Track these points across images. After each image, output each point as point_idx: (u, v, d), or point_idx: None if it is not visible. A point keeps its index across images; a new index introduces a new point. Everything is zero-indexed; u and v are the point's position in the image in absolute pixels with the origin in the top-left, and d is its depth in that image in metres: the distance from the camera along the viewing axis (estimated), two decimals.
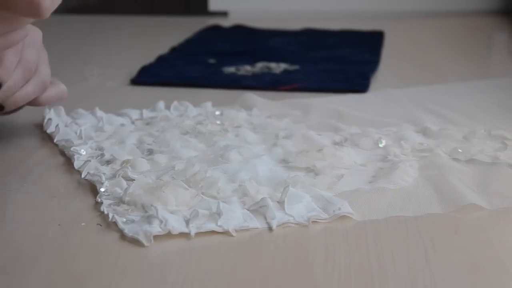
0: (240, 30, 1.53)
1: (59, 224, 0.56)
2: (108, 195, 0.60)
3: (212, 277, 0.49)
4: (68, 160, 0.69)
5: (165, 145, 0.71)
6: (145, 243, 0.53)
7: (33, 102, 0.72)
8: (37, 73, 0.70)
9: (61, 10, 1.88)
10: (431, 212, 0.59)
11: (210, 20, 1.68)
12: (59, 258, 0.51)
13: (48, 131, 0.77)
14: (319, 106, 0.87)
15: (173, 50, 1.25)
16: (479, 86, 1.00)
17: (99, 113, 0.81)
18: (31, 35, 0.69)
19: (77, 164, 0.67)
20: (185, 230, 0.54)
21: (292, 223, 0.56)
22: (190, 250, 0.53)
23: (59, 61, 1.09)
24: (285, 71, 1.09)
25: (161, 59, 1.17)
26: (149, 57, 1.15)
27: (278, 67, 1.10)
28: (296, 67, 1.11)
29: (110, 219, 0.56)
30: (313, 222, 0.57)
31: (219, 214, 0.56)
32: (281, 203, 0.59)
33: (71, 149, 0.70)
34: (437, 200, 0.60)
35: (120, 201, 0.59)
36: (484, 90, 0.98)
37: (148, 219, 0.55)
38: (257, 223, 0.56)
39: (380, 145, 0.72)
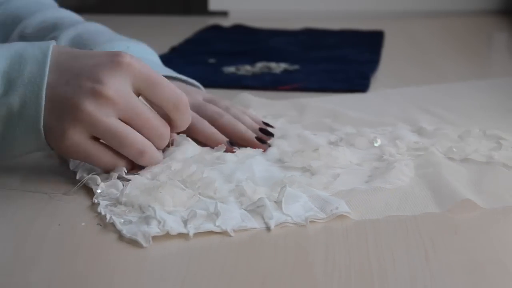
0: (240, 30, 1.53)
1: (59, 224, 0.56)
2: (105, 196, 0.60)
3: (212, 277, 0.49)
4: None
5: None
6: (144, 244, 0.52)
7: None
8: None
9: None
10: (428, 212, 0.59)
11: (210, 20, 1.68)
12: (59, 258, 0.51)
13: None
14: (314, 106, 0.87)
15: (173, 50, 1.25)
16: (475, 86, 1.00)
17: None
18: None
19: (72, 165, 0.66)
20: (184, 230, 0.54)
21: (290, 223, 0.56)
22: (190, 250, 0.53)
23: None
24: (285, 71, 1.09)
25: (161, 59, 1.17)
26: None
27: (278, 67, 1.10)
28: (296, 67, 1.11)
29: (107, 220, 0.56)
30: (313, 222, 0.57)
31: (216, 214, 0.56)
32: (278, 203, 0.59)
33: None
34: (433, 199, 0.61)
35: (117, 202, 0.59)
36: (481, 89, 0.98)
37: (146, 219, 0.55)
38: (255, 223, 0.56)
39: (376, 145, 0.72)
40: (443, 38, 1.48)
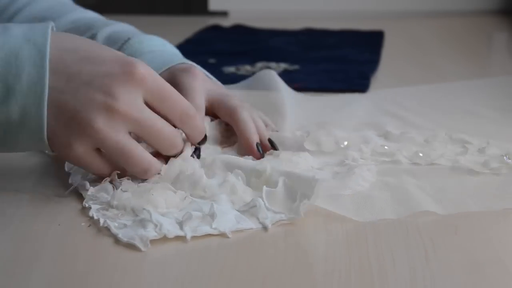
0: (240, 30, 1.53)
1: (59, 224, 0.56)
2: (95, 200, 0.59)
3: (213, 278, 0.49)
4: (49, 165, 0.68)
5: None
6: (142, 248, 0.52)
7: None
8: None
9: None
10: (385, 218, 0.58)
11: (210, 20, 1.68)
12: (59, 258, 0.51)
13: None
14: (282, 107, 0.85)
15: None
16: (439, 89, 0.99)
17: None
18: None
19: (67, 166, 0.66)
20: (181, 233, 0.54)
21: (284, 220, 0.56)
22: (190, 251, 0.53)
23: None
24: (285, 71, 1.09)
25: None
26: None
27: (278, 67, 1.10)
28: (296, 67, 1.11)
29: (101, 224, 0.55)
30: (312, 223, 0.57)
31: (212, 216, 0.56)
32: (268, 200, 0.58)
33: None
34: (391, 206, 0.60)
35: (108, 205, 0.58)
36: (446, 92, 0.97)
37: (142, 223, 0.55)
38: (250, 224, 0.56)
39: (342, 146, 0.71)
40: (443, 38, 1.48)
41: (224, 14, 1.81)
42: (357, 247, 0.53)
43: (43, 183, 0.64)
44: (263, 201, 0.58)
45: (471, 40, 1.46)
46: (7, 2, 0.87)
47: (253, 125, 0.70)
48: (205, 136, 0.64)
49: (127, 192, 0.58)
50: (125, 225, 0.55)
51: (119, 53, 0.60)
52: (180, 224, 0.55)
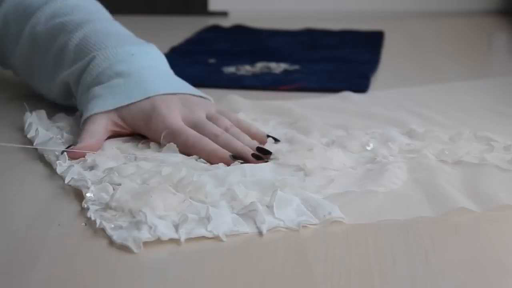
0: (240, 30, 1.53)
1: (59, 224, 0.56)
2: (94, 200, 0.59)
3: (213, 278, 0.49)
4: (48, 165, 0.68)
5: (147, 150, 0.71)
6: (135, 250, 0.52)
7: None
8: None
9: None
10: (422, 216, 0.58)
11: (210, 20, 1.68)
12: (59, 258, 0.51)
13: (28, 136, 0.75)
14: (303, 109, 0.86)
15: (173, 50, 1.25)
16: (461, 88, 0.99)
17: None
18: None
19: (60, 169, 0.65)
20: (175, 236, 0.54)
21: (282, 227, 0.56)
22: (190, 251, 0.53)
23: None
24: (285, 71, 1.09)
25: None
26: None
27: (278, 67, 1.10)
28: (296, 67, 1.11)
29: (97, 226, 0.55)
30: (316, 226, 0.57)
31: (208, 219, 0.56)
32: (270, 207, 0.58)
33: (50, 154, 0.69)
34: (427, 203, 0.60)
35: (107, 206, 0.58)
36: (467, 91, 0.97)
37: (137, 225, 0.54)
38: (246, 228, 0.56)
39: (368, 148, 0.71)
40: (443, 38, 1.48)
41: (224, 14, 1.81)
42: (357, 247, 0.53)
43: (43, 183, 0.64)
44: (273, 200, 0.58)
45: (471, 40, 1.46)
46: None
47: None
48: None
49: (126, 193, 0.58)
50: (121, 227, 0.55)
51: None
52: (176, 227, 0.55)
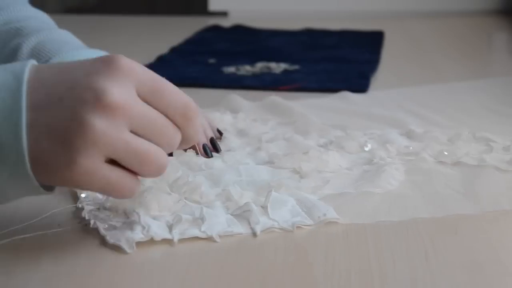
0: (240, 30, 1.53)
1: (58, 225, 0.56)
2: (89, 201, 0.59)
3: (213, 277, 0.49)
4: None
5: None
6: (128, 250, 0.52)
7: None
8: None
9: (61, 10, 1.89)
10: (418, 217, 0.58)
11: (210, 20, 1.68)
12: (59, 258, 0.51)
13: None
14: (302, 109, 0.86)
15: (173, 50, 1.25)
16: (461, 88, 0.99)
17: None
18: None
19: None
20: (168, 236, 0.53)
21: (276, 228, 0.56)
22: (190, 252, 0.53)
23: None
24: (285, 71, 1.09)
25: (161, 59, 1.17)
26: (149, 57, 1.15)
27: (278, 67, 1.10)
28: (296, 67, 1.11)
29: (91, 225, 0.55)
30: (311, 227, 0.57)
31: (202, 219, 0.55)
32: (265, 207, 0.58)
33: None
34: (423, 205, 0.60)
35: (101, 206, 0.58)
36: (467, 92, 0.97)
37: (130, 225, 0.54)
38: (240, 228, 0.55)
39: (366, 149, 0.71)
40: (443, 38, 1.48)
41: (224, 14, 1.81)
42: (357, 247, 0.53)
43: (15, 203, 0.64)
44: (268, 201, 0.58)
45: (471, 40, 1.46)
46: None
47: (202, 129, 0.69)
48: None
49: None
50: (114, 227, 0.55)
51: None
52: (170, 227, 0.54)
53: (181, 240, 0.54)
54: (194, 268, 0.50)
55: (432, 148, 0.71)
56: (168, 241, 0.53)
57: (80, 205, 0.58)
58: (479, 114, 0.86)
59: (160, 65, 1.12)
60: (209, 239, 0.54)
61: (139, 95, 0.50)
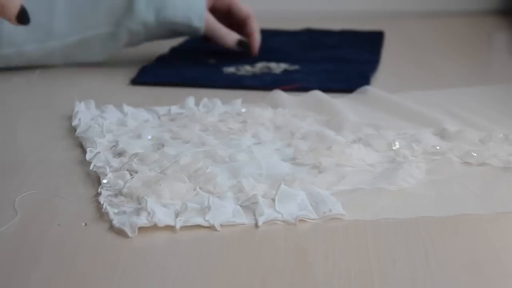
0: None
1: (59, 224, 0.56)
2: (110, 186, 0.61)
3: (212, 277, 0.49)
4: (85, 153, 0.71)
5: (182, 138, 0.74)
6: (130, 234, 0.53)
7: None
8: None
9: None
10: (425, 215, 0.58)
11: None
12: (59, 258, 0.51)
13: (73, 123, 0.79)
14: (344, 105, 0.86)
15: (173, 50, 1.25)
16: (502, 90, 0.98)
17: (126, 108, 0.83)
18: None
19: (88, 156, 0.68)
20: (171, 223, 0.55)
21: (279, 220, 0.56)
22: (190, 250, 0.53)
23: None
24: (285, 71, 1.09)
25: (161, 59, 1.17)
26: (149, 57, 1.15)
27: (278, 67, 1.10)
28: (296, 67, 1.11)
29: (103, 210, 0.57)
30: (311, 222, 0.57)
31: (208, 208, 0.57)
32: (274, 200, 0.59)
33: (87, 141, 0.72)
34: (433, 205, 0.60)
35: (119, 193, 0.60)
36: (508, 93, 0.96)
37: (138, 211, 0.56)
38: (244, 219, 0.56)
39: (394, 148, 0.72)
40: (443, 38, 1.48)
41: None
42: (357, 247, 0.53)
43: (43, 183, 0.64)
44: (277, 193, 0.59)
45: (471, 40, 1.46)
46: None
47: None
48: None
49: (139, 181, 0.60)
50: (124, 212, 0.56)
51: None
52: (177, 215, 0.56)
53: (185, 228, 0.55)
54: (190, 269, 0.50)
55: (461, 148, 0.71)
56: (172, 228, 0.55)
57: (100, 191, 0.60)
58: None
59: (160, 65, 1.12)
60: (212, 228, 0.55)
61: None
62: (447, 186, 0.64)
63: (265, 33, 1.48)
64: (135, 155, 0.67)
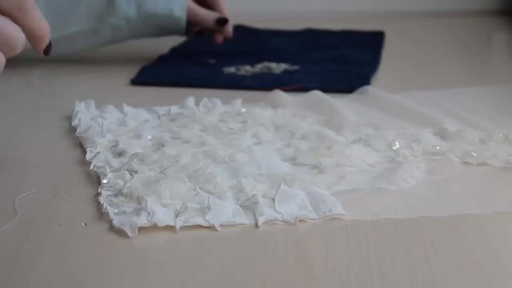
0: (240, 30, 1.52)
1: (59, 224, 0.56)
2: (110, 186, 0.61)
3: (212, 277, 0.49)
4: (85, 153, 0.71)
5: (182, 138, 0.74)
6: (130, 234, 0.53)
7: None
8: None
9: None
10: (425, 215, 0.58)
11: None
12: (59, 258, 0.51)
13: (73, 123, 0.79)
14: (343, 106, 0.86)
15: (173, 50, 1.25)
16: (502, 90, 0.98)
17: (126, 108, 0.83)
18: None
19: (88, 156, 0.68)
20: (171, 223, 0.55)
21: (279, 220, 0.57)
22: (190, 250, 0.53)
23: (58, 62, 1.10)
24: (285, 71, 1.09)
25: (161, 59, 1.17)
26: (149, 57, 1.15)
27: (278, 67, 1.10)
28: (296, 67, 1.11)
29: (103, 210, 0.57)
30: (311, 222, 0.57)
31: (208, 208, 0.57)
32: (274, 200, 0.59)
33: (87, 141, 0.72)
34: (433, 205, 0.60)
35: (119, 193, 0.60)
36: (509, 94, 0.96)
37: (138, 211, 0.56)
38: (244, 219, 0.57)
39: (394, 148, 0.72)
40: (443, 38, 1.48)
41: None
42: (357, 247, 0.53)
43: (43, 183, 0.64)
44: (276, 193, 0.59)
45: (471, 40, 1.46)
46: None
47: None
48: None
49: (139, 181, 0.60)
50: (124, 212, 0.56)
51: None
52: (177, 215, 0.56)
53: (185, 228, 0.55)
54: (190, 269, 0.50)
55: (461, 148, 0.71)
56: (172, 228, 0.55)
57: (100, 191, 0.60)
58: None
59: (160, 65, 1.12)
60: (212, 228, 0.55)
61: None
62: (447, 186, 0.64)
63: (265, 33, 1.48)
64: (135, 155, 0.67)
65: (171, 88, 0.99)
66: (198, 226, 0.56)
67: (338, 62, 1.17)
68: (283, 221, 0.57)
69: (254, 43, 1.36)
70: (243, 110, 0.84)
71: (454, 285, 0.49)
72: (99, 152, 0.68)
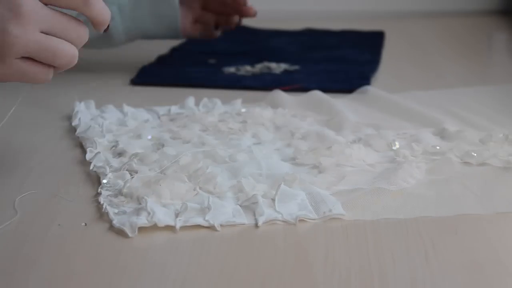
0: (240, 30, 1.52)
1: (59, 224, 0.56)
2: (110, 186, 0.61)
3: (212, 278, 0.49)
4: (85, 153, 0.71)
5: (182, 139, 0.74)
6: (130, 234, 0.53)
7: None
8: None
9: None
10: (425, 215, 0.58)
11: None
12: (59, 258, 0.51)
13: (73, 123, 0.79)
14: (343, 106, 0.86)
15: (173, 50, 1.25)
16: (503, 90, 0.98)
17: (126, 108, 0.83)
18: None
19: (88, 156, 0.68)
20: (171, 223, 0.55)
21: (279, 220, 0.57)
22: (190, 250, 0.53)
23: None
24: (285, 71, 1.09)
25: (161, 59, 1.17)
26: (149, 57, 1.15)
27: (278, 67, 1.10)
28: (296, 67, 1.11)
29: (103, 210, 0.57)
30: (312, 222, 0.57)
31: (208, 208, 0.57)
32: (274, 200, 0.59)
33: (87, 141, 0.72)
34: (433, 205, 0.60)
35: (119, 193, 0.60)
36: (509, 94, 0.96)
37: (138, 211, 0.56)
38: (244, 219, 0.57)
39: (394, 148, 0.72)
40: (443, 38, 1.48)
41: None
42: (357, 247, 0.53)
43: (43, 183, 0.64)
44: (276, 193, 0.59)
45: (471, 40, 1.46)
46: None
47: None
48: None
49: (139, 181, 0.60)
50: (124, 212, 0.57)
51: None
52: (177, 215, 0.56)
53: (185, 228, 0.55)
54: (190, 269, 0.50)
55: (460, 148, 0.71)
56: (172, 228, 0.55)
57: (100, 191, 0.60)
58: None
59: (160, 65, 1.12)
60: (212, 228, 0.55)
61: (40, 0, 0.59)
62: (447, 186, 0.64)
63: (265, 33, 1.48)
64: (135, 155, 0.67)
65: (171, 88, 0.99)
66: (198, 226, 0.56)
67: (338, 62, 1.17)
68: (283, 221, 0.57)
69: (254, 43, 1.35)
70: (243, 110, 0.84)
71: (454, 285, 0.49)
72: (99, 152, 0.68)
